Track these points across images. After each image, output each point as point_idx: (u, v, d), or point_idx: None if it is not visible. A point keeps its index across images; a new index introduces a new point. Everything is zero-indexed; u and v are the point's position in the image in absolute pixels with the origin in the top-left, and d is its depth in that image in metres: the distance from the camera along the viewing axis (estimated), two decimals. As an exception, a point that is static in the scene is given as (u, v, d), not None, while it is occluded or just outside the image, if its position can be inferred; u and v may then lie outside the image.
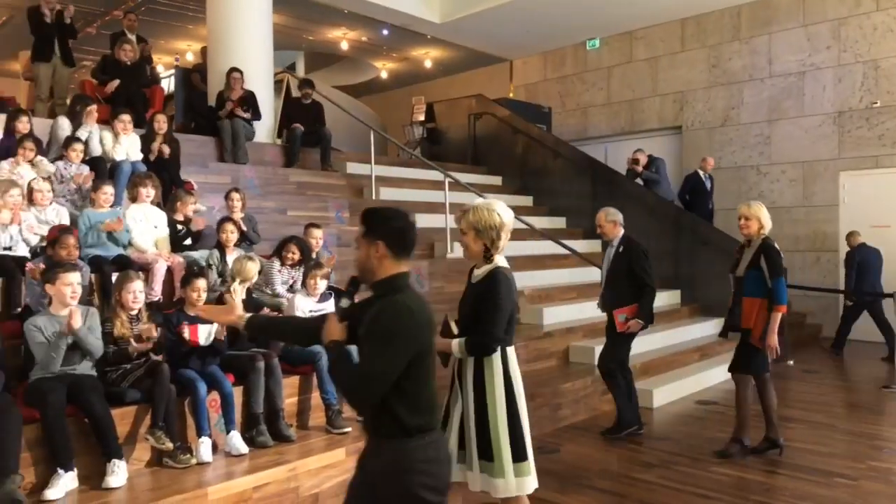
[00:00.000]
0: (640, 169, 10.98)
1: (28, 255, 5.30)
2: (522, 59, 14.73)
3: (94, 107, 7.11)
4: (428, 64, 15.84)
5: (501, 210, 3.29)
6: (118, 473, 4.04)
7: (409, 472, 2.26)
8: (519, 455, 3.19)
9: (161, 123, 7.30)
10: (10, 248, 5.30)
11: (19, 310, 4.92)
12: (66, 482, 3.90)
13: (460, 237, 3.35)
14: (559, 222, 10.95)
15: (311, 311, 5.27)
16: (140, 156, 6.92)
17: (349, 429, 5.00)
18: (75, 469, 3.98)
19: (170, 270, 5.70)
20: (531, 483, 3.25)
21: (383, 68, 16.61)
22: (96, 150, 6.80)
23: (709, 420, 6.27)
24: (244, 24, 9.51)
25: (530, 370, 6.63)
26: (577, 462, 5.30)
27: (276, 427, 4.83)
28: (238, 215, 6.41)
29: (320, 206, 8.58)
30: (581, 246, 9.58)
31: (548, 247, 8.90)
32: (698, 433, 5.45)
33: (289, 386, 5.09)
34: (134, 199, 6.03)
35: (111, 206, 5.84)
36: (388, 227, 2.38)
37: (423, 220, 9.39)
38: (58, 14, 8.89)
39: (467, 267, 8.06)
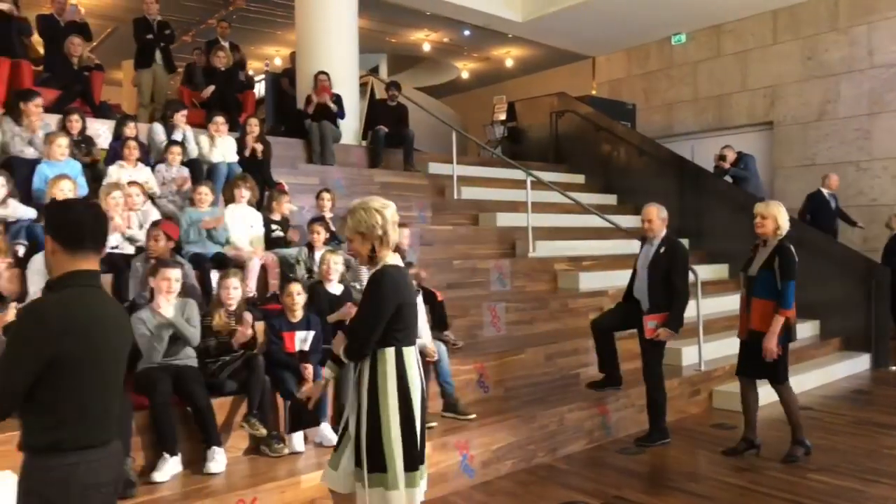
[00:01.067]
0: (727, 166, 10.66)
1: (133, 252, 5.61)
2: (606, 56, 14.53)
3: (183, 111, 7.47)
4: (509, 63, 15.83)
5: (379, 205, 3.01)
6: (218, 460, 4.25)
7: (31, 493, 2.06)
8: (410, 465, 2.91)
9: (253, 126, 7.60)
10: (116, 247, 5.63)
11: (127, 304, 5.22)
12: (171, 466, 4.14)
13: (349, 246, 3.01)
14: (644, 221, 10.76)
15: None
16: (235, 157, 7.24)
17: (434, 424, 5.09)
18: (179, 454, 4.22)
19: (264, 267, 5.95)
20: (418, 495, 2.98)
21: (464, 68, 16.70)
22: (193, 153, 7.15)
23: (803, 426, 6.05)
24: (331, 28, 9.78)
25: (615, 370, 6.55)
26: (665, 464, 5.22)
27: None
28: (328, 215, 6.62)
29: (404, 206, 8.70)
30: (667, 245, 9.38)
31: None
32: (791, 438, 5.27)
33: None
34: (231, 200, 6.32)
35: (210, 206, 6.13)
36: (54, 219, 2.20)
37: (504, 219, 9.41)
38: (159, 24, 9.37)
39: (550, 266, 8.02)
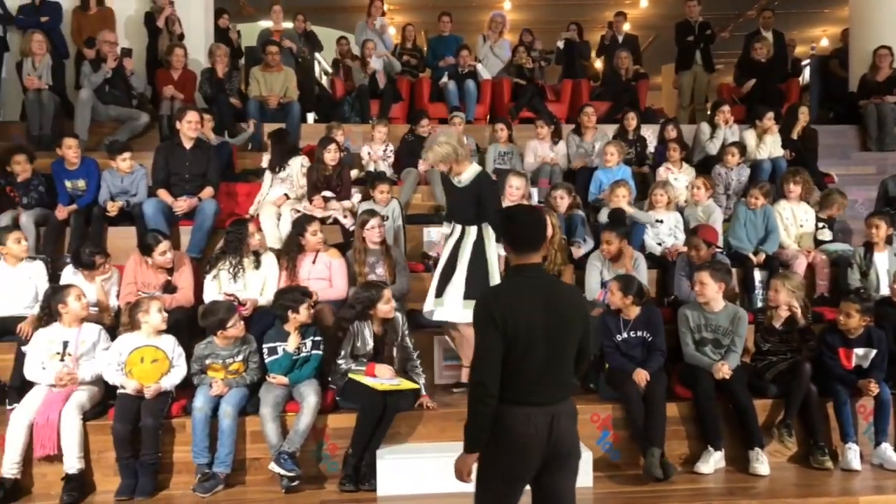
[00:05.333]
0: None
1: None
2: None
3: (726, 108, 7.46)
4: None
5: (444, 139, 4.51)
6: (763, 461, 4.19)
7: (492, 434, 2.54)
8: None
9: (801, 115, 7.22)
10: (661, 243, 5.94)
11: (669, 299, 5.48)
12: (715, 460, 4.24)
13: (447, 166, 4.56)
14: None
15: None
16: (781, 152, 6.98)
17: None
18: (723, 449, 4.28)
19: (811, 267, 5.64)
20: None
21: None
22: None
23: None
24: (893, -4, 8.54)
25: None
26: None
27: (939, 448, 4.27)
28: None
29: None
30: None
31: None
32: None
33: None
34: (783, 196, 6.10)
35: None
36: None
37: None
38: (700, 26, 9.57)
39: None
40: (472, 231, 4.54)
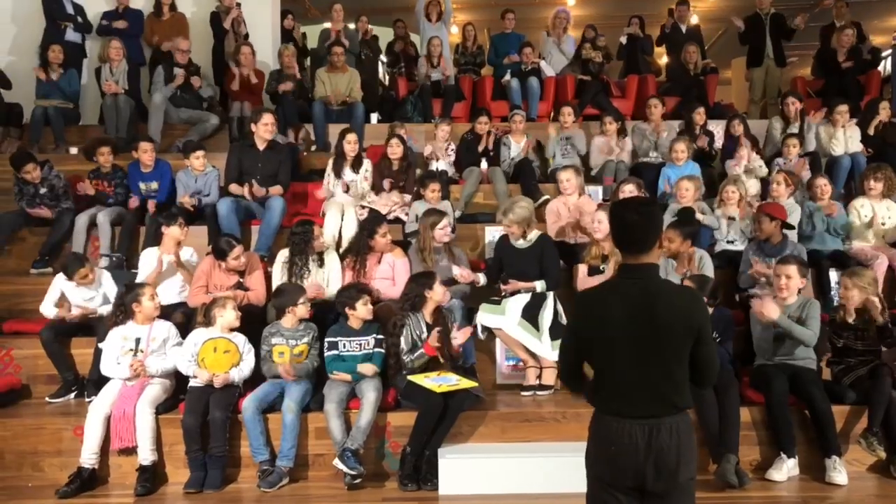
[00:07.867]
0: None
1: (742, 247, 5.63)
2: None
3: (791, 98, 7.20)
4: None
5: (525, 203, 5.17)
6: (840, 471, 4.01)
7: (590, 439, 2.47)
8: None
9: (882, 111, 6.88)
10: (731, 242, 5.73)
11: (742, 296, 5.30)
12: (788, 467, 4.08)
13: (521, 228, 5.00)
14: None
15: None
16: (859, 147, 6.69)
17: None
18: (797, 456, 4.11)
19: (891, 268, 5.38)
20: None
21: None
22: (811, 145, 6.86)
23: None
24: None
25: None
26: None
27: None
28: None
29: None
30: None
31: None
32: None
33: None
34: (863, 193, 5.84)
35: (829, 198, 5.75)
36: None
37: None
38: (772, 17, 9.22)
39: None
40: (549, 298, 4.85)
